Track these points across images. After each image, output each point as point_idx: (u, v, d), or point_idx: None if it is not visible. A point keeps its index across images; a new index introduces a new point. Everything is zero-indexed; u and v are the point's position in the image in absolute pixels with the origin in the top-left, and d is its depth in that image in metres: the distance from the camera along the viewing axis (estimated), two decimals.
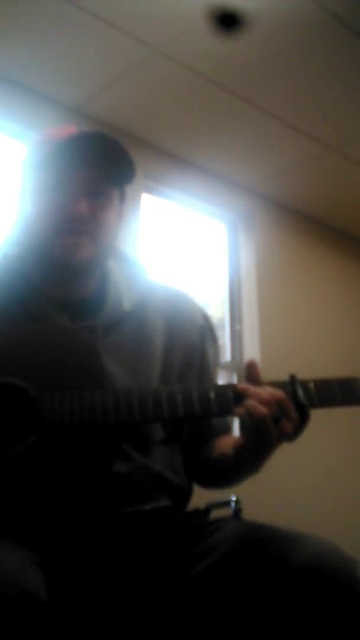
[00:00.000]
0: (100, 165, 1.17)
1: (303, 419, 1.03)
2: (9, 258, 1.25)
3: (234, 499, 1.40)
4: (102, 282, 1.24)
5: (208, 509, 1.30)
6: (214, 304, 3.63)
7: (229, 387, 1.06)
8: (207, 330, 1.32)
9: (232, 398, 1.05)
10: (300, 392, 1.05)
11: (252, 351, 3.42)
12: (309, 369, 1.15)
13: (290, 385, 1.06)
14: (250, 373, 1.07)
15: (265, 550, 0.97)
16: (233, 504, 1.40)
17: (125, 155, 1.18)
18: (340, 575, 0.92)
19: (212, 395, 1.06)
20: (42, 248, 1.17)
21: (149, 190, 3.23)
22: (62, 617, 0.97)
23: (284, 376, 1.08)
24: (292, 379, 1.07)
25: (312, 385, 1.07)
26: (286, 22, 2.44)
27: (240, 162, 3.36)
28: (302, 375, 1.09)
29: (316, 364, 3.56)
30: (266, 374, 1.08)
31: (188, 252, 3.59)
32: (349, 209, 3.82)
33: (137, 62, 2.66)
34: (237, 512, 1.36)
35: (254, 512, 1.47)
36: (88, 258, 1.17)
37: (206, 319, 1.34)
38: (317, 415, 1.06)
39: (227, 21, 2.42)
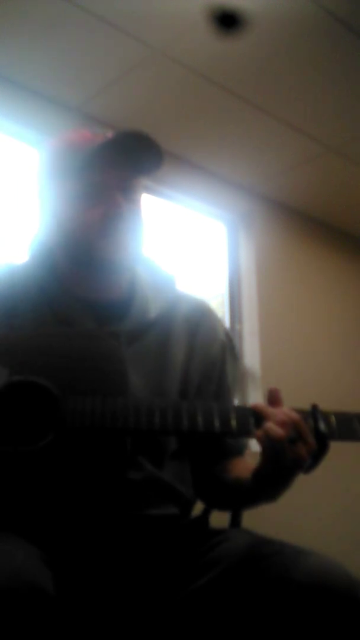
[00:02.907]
0: (134, 166, 1.21)
1: (322, 450, 1.03)
2: (37, 258, 1.26)
3: None
4: (129, 286, 1.25)
5: (207, 511, 1.30)
6: (214, 304, 3.63)
7: (249, 409, 1.06)
8: (228, 346, 1.33)
9: (252, 420, 1.05)
10: (321, 422, 1.04)
11: (252, 351, 3.42)
12: (309, 369, 1.15)
13: (312, 414, 1.06)
14: (272, 398, 1.07)
15: (268, 567, 0.97)
16: None
17: (155, 149, 1.20)
18: (343, 595, 0.91)
19: (232, 415, 1.06)
20: (85, 250, 1.18)
21: (148, 190, 3.23)
22: (67, 613, 0.98)
23: (283, 376, 1.09)
24: (314, 408, 1.07)
25: (332, 417, 1.07)
26: (286, 22, 2.44)
27: (240, 162, 3.36)
28: (302, 374, 1.09)
29: (316, 363, 3.57)
30: (266, 374, 1.08)
31: (188, 253, 3.59)
32: (349, 209, 3.82)
33: (137, 62, 2.66)
34: (237, 512, 1.36)
35: (253, 515, 1.46)
36: (131, 254, 1.21)
37: (228, 335, 1.35)
38: None
39: (227, 21, 2.42)
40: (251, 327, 3.48)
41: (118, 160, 1.18)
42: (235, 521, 1.33)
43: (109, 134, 1.21)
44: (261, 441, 1.01)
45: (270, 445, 1.00)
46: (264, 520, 1.81)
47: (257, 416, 1.04)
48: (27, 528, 1.00)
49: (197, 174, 3.39)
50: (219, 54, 2.61)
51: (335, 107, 2.93)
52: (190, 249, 3.62)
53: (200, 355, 1.26)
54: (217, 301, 3.63)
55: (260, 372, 3.30)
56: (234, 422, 1.05)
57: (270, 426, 1.00)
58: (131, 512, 1.10)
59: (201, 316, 1.31)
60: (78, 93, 2.85)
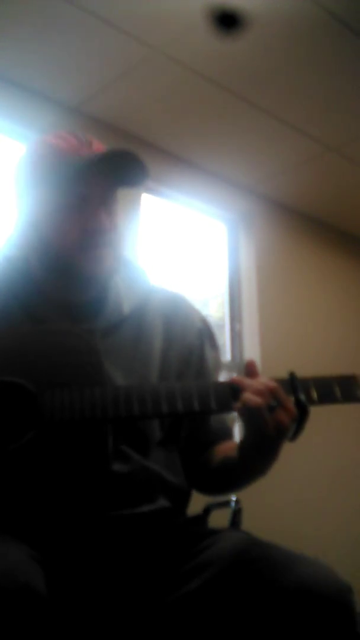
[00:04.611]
0: (119, 179, 1.20)
1: (303, 417, 1.03)
2: (10, 260, 1.25)
3: (234, 499, 1.40)
4: (103, 285, 1.25)
5: (208, 510, 1.30)
6: (214, 303, 3.63)
7: (227, 383, 1.07)
8: (206, 333, 1.33)
9: (230, 394, 1.05)
10: (300, 390, 1.05)
11: (252, 351, 3.42)
12: (310, 369, 1.15)
13: (290, 382, 1.06)
14: (249, 371, 1.07)
15: (258, 571, 0.96)
16: (233, 504, 1.40)
17: (141, 168, 1.19)
18: (333, 600, 0.91)
19: (210, 391, 1.06)
20: (64, 263, 1.18)
21: (149, 190, 3.23)
22: (59, 612, 0.97)
23: (283, 376, 1.08)
24: (292, 376, 1.07)
25: (311, 382, 1.08)
26: (286, 22, 2.44)
27: (240, 162, 3.36)
28: (302, 374, 1.09)
29: (316, 363, 3.56)
30: (266, 374, 1.08)
31: (188, 252, 3.59)
32: (349, 209, 3.82)
33: (137, 62, 2.66)
34: (237, 512, 1.36)
35: (253, 514, 1.47)
36: (111, 267, 1.20)
37: (205, 322, 1.34)
38: (319, 419, 1.06)
39: (227, 21, 2.42)
40: (251, 327, 3.48)
41: (104, 177, 1.18)
42: (235, 521, 1.33)
43: (95, 144, 1.21)
44: (241, 413, 1.02)
45: (249, 415, 1.01)
46: (265, 520, 1.81)
47: (235, 390, 1.05)
48: (16, 527, 1.00)
49: (197, 174, 3.39)
50: (218, 54, 2.61)
51: (335, 107, 2.93)
52: (190, 249, 3.62)
53: (178, 343, 1.27)
54: (217, 301, 3.63)
55: (260, 371, 3.30)
56: (212, 399, 1.05)
57: (248, 396, 1.01)
58: (121, 511, 1.10)
59: (176, 306, 1.32)
60: (78, 93, 2.85)
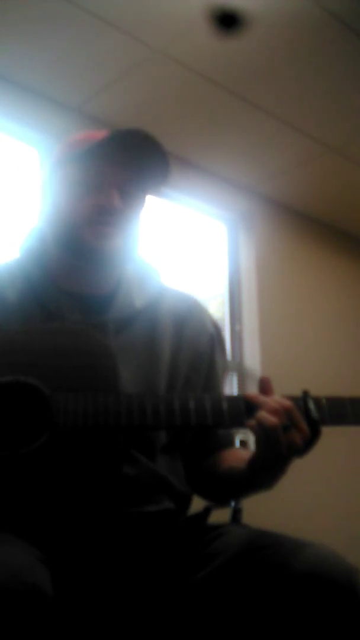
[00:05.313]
0: (135, 167, 1.21)
1: (314, 435, 1.03)
2: (31, 252, 1.28)
3: None
4: (116, 281, 1.26)
5: (208, 509, 1.30)
6: (214, 303, 3.63)
7: (241, 398, 1.07)
8: (217, 339, 1.33)
9: (244, 410, 1.05)
10: (312, 408, 1.05)
11: (252, 351, 3.42)
12: (309, 369, 1.15)
13: (303, 400, 1.06)
14: (263, 387, 1.07)
15: (268, 557, 0.97)
16: (233, 504, 1.40)
17: (161, 162, 1.21)
18: (341, 583, 0.92)
19: (224, 406, 1.06)
20: (72, 236, 1.20)
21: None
22: (66, 613, 0.98)
23: (283, 376, 1.09)
24: (305, 394, 1.07)
25: (324, 401, 1.07)
26: (286, 22, 2.44)
27: (240, 162, 3.36)
28: (302, 375, 1.09)
29: (316, 363, 3.58)
30: (266, 374, 1.08)
31: (188, 252, 3.59)
32: (349, 209, 3.82)
33: (137, 62, 2.66)
34: (237, 512, 1.36)
35: (253, 513, 1.47)
36: (115, 249, 1.20)
37: (216, 328, 1.35)
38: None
39: (227, 21, 2.42)
40: (251, 327, 3.48)
41: (120, 156, 1.20)
42: (236, 518, 1.33)
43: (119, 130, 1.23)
44: (254, 431, 1.01)
45: (264, 434, 1.00)
46: (265, 517, 1.81)
47: (249, 406, 1.04)
48: (25, 528, 1.00)
49: (197, 174, 3.39)
50: (219, 54, 2.61)
51: (335, 107, 2.93)
52: (190, 249, 3.62)
53: (188, 348, 1.27)
54: (217, 301, 3.63)
55: (260, 372, 3.30)
56: (226, 414, 1.05)
57: (263, 415, 1.00)
58: (127, 510, 1.11)
59: (188, 309, 1.32)
60: (78, 93, 2.85)
